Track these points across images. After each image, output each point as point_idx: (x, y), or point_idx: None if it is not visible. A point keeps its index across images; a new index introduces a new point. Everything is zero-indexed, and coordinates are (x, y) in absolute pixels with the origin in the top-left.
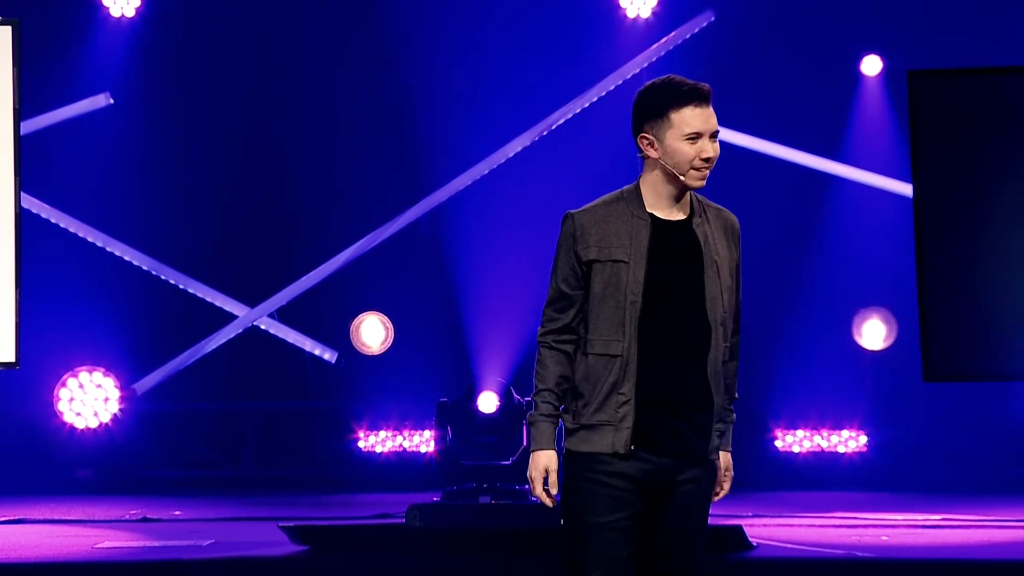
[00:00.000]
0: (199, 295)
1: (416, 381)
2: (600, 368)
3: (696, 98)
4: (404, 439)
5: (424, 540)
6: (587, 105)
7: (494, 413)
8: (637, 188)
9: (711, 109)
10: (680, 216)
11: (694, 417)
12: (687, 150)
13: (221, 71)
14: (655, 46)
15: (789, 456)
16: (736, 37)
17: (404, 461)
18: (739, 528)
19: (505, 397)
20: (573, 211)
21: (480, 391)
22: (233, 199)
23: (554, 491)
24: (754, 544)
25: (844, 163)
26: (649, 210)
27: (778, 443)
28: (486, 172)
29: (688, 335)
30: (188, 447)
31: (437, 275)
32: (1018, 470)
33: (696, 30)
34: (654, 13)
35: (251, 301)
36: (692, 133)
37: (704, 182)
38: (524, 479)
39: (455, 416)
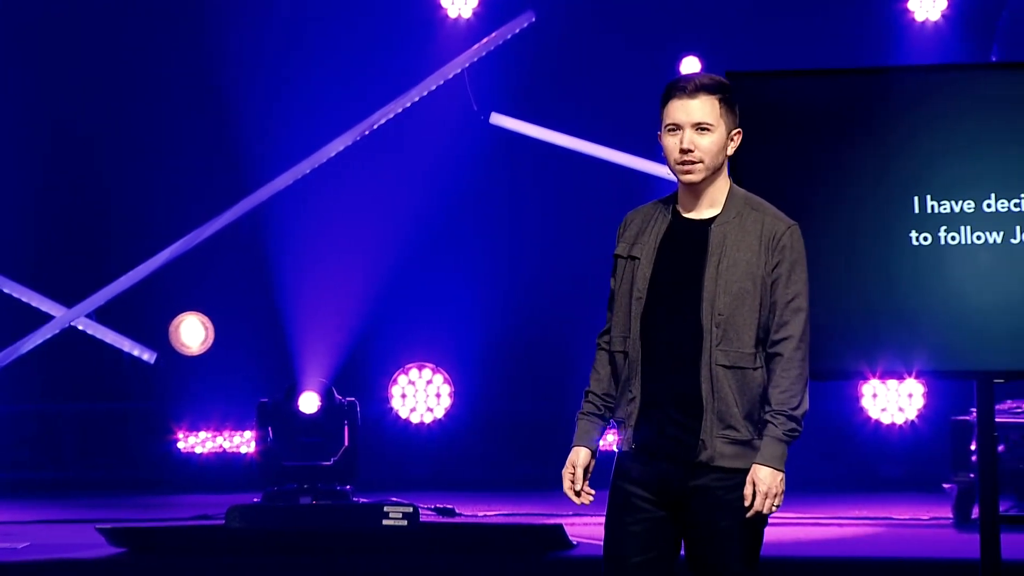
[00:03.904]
0: (14, 295)
1: (237, 381)
2: (620, 365)
3: (678, 91)
4: (224, 440)
5: (244, 541)
6: (409, 105)
7: (315, 413)
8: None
9: (697, 101)
10: (708, 215)
11: (686, 421)
12: (669, 143)
13: (35, 63)
14: (476, 46)
15: None
16: (557, 38)
17: (224, 462)
18: (559, 527)
19: (326, 397)
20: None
21: (301, 391)
22: (48, 196)
23: (578, 486)
24: (574, 543)
25: (665, 163)
26: (679, 208)
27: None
28: (307, 172)
29: (681, 335)
30: (4, 449)
31: (258, 275)
32: (832, 469)
33: (517, 30)
34: (475, 13)
35: (68, 301)
36: (670, 124)
37: (693, 176)
38: (345, 480)
39: (276, 416)
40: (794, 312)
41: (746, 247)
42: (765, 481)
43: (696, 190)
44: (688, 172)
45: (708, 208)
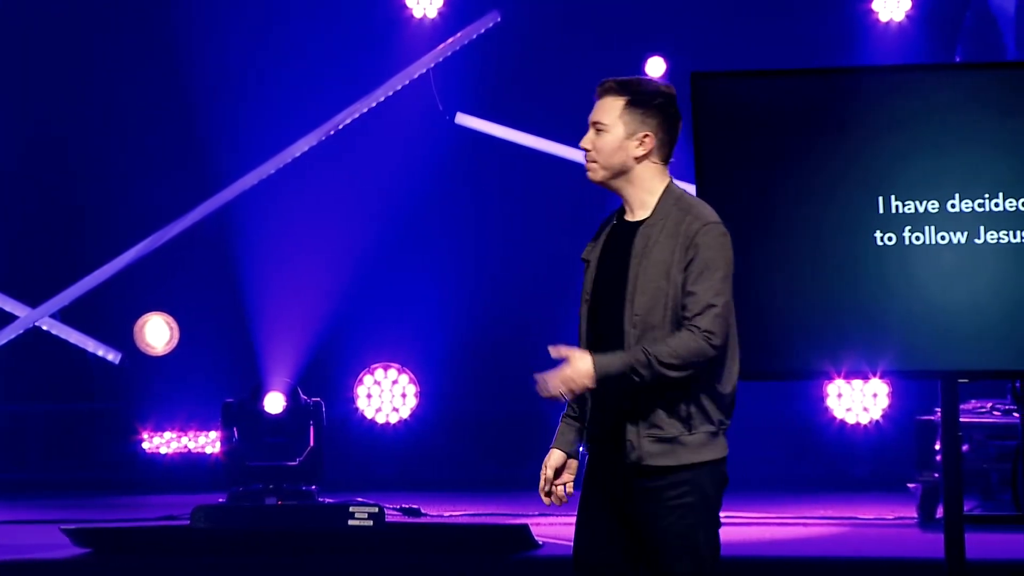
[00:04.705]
0: None
1: (202, 382)
2: None
3: (595, 90)
4: (189, 440)
5: (210, 542)
6: (374, 104)
7: (281, 414)
8: None
9: (600, 101)
10: (641, 217)
11: (618, 423)
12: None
13: (0, 63)
14: (441, 46)
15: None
16: (522, 38)
17: (189, 462)
18: (525, 527)
19: (292, 398)
20: None
21: (266, 392)
22: (12, 196)
23: (546, 488)
24: (540, 543)
25: None
26: (624, 211)
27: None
28: (273, 171)
29: (611, 337)
30: None
31: (223, 275)
32: (797, 469)
33: (482, 30)
34: (440, 13)
35: (32, 301)
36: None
37: (591, 175)
38: (311, 480)
39: (241, 417)
40: (703, 307)
41: (665, 247)
42: (573, 366)
43: (624, 193)
44: (588, 170)
45: (641, 210)
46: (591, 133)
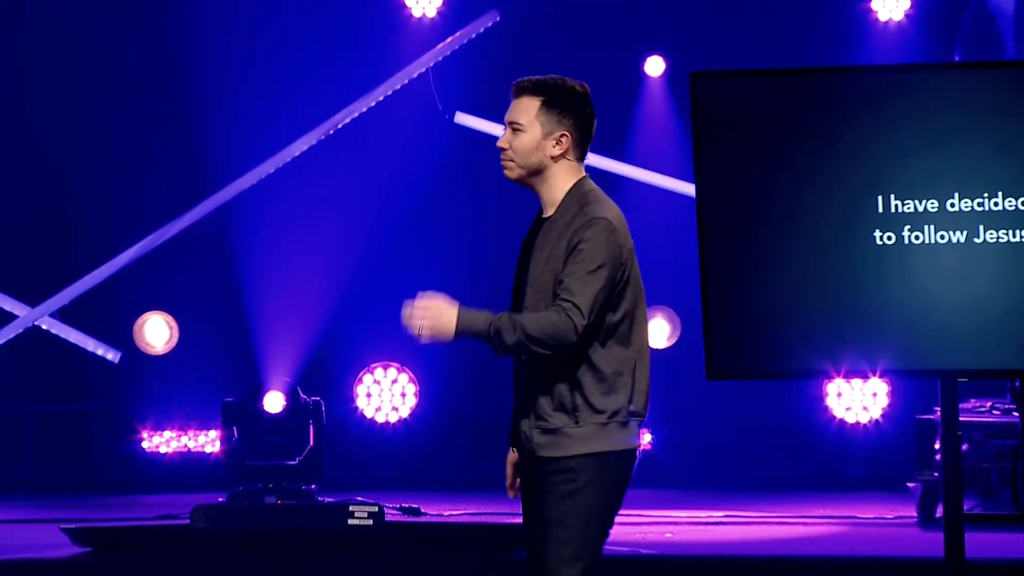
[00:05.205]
0: None
1: (201, 381)
2: None
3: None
4: (189, 439)
5: (209, 541)
6: (373, 104)
7: (280, 413)
8: None
9: (516, 101)
10: (549, 214)
11: (517, 415)
12: None
13: None
14: (440, 46)
15: None
16: (521, 37)
17: (189, 462)
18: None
19: (291, 397)
20: None
21: (266, 391)
22: (12, 195)
23: (508, 482)
24: None
25: (628, 163)
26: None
27: None
28: (271, 171)
29: None
30: None
31: (222, 274)
32: (797, 468)
33: (481, 30)
34: (439, 12)
35: (31, 300)
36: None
37: (507, 173)
38: (311, 479)
39: (241, 416)
40: (571, 292)
41: (557, 244)
42: (437, 306)
43: (538, 191)
44: (504, 168)
45: (550, 207)
46: (508, 133)
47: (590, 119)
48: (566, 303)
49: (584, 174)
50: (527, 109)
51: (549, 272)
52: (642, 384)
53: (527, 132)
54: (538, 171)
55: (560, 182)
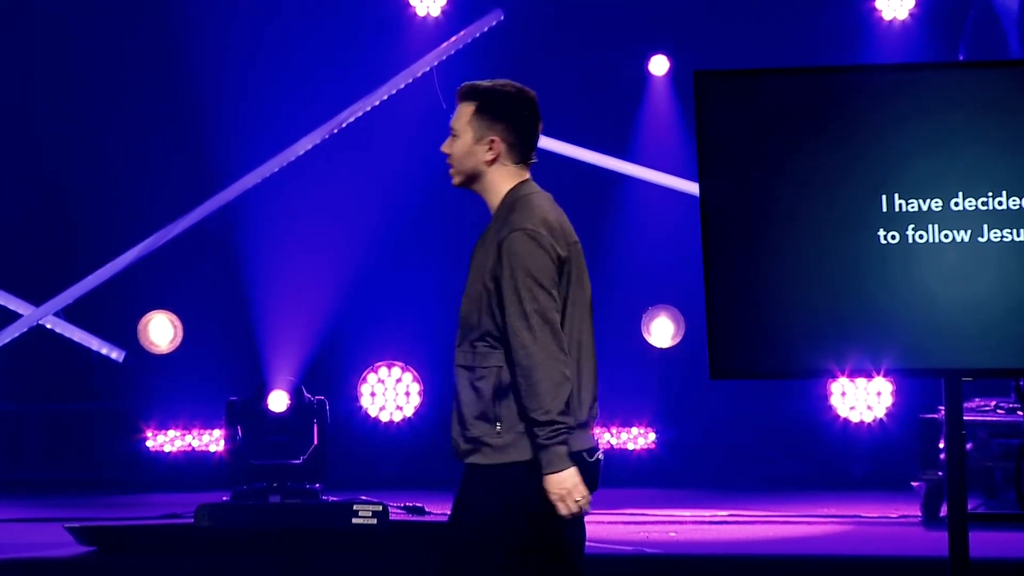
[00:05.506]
0: None
1: (205, 380)
2: None
3: None
4: (193, 438)
5: (213, 540)
6: (377, 103)
7: (284, 412)
8: None
9: (457, 106)
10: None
11: (452, 421)
12: None
13: None
14: (444, 45)
15: None
16: (525, 36)
17: (193, 461)
18: None
19: (296, 396)
20: None
21: (270, 390)
22: (16, 194)
23: None
24: None
25: (632, 162)
26: None
27: None
28: (276, 170)
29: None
30: None
31: (226, 273)
32: (801, 467)
33: (485, 28)
34: (443, 11)
35: (36, 299)
36: None
37: (453, 179)
38: (315, 478)
39: (245, 415)
40: (518, 318)
41: (487, 253)
42: (551, 487)
43: (482, 196)
44: (450, 175)
45: (492, 213)
46: (449, 138)
47: (528, 123)
48: (519, 351)
49: (526, 177)
50: (462, 115)
51: (479, 282)
52: (572, 389)
53: (460, 137)
54: (475, 177)
55: (498, 187)
